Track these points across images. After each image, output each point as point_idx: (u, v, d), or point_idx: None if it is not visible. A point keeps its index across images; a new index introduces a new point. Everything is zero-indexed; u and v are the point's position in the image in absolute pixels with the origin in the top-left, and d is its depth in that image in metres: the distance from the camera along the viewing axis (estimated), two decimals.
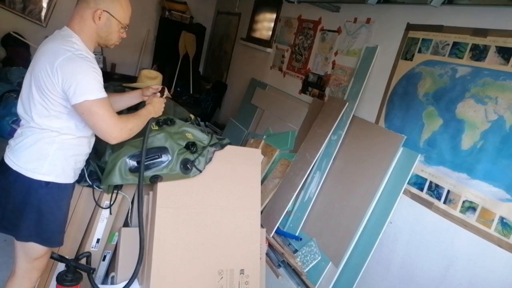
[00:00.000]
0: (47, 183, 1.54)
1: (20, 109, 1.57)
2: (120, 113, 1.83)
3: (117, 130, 1.53)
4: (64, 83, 1.43)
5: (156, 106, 1.83)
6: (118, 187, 1.99)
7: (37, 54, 1.53)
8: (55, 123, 1.52)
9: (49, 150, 1.53)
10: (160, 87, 1.91)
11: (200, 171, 2.04)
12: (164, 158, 1.94)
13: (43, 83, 1.46)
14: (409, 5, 2.66)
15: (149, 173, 1.92)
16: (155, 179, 1.94)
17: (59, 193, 1.60)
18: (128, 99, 1.95)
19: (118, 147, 1.87)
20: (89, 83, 1.45)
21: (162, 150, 1.94)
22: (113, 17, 1.57)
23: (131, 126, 1.60)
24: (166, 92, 1.93)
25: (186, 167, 1.99)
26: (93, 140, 1.70)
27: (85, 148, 1.67)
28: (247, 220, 2.19)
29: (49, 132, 1.52)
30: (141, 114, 1.72)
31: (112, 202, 1.98)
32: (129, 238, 2.04)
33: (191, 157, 2.01)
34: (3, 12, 4.68)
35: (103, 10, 1.53)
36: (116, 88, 2.55)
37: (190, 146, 2.02)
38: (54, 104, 1.49)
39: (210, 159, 2.09)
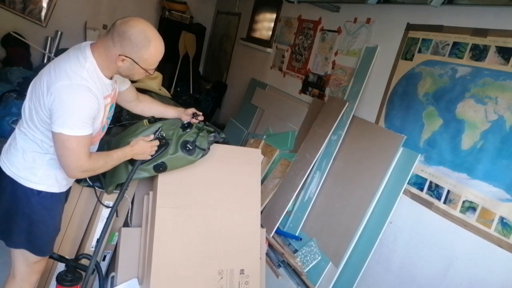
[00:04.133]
0: (39, 192, 1.52)
1: (22, 107, 1.54)
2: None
3: (80, 171, 1.47)
4: (52, 107, 1.38)
5: (136, 150, 1.70)
6: (120, 187, 1.99)
7: (50, 63, 1.47)
8: (43, 136, 1.49)
9: (43, 159, 1.51)
10: (194, 112, 2.00)
11: (204, 150, 1.97)
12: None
13: (37, 98, 1.43)
14: (409, 5, 2.66)
15: (151, 163, 1.88)
16: (158, 168, 1.89)
17: (51, 202, 1.57)
18: (171, 114, 2.00)
19: (117, 147, 1.85)
20: (73, 119, 1.37)
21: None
22: (137, 64, 1.46)
23: (97, 168, 1.54)
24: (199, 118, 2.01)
25: (188, 148, 1.93)
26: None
27: None
28: (247, 220, 2.19)
29: (41, 143, 1.49)
30: (115, 157, 1.61)
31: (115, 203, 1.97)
32: (129, 238, 2.04)
33: (190, 138, 1.95)
34: (3, 12, 4.68)
35: (127, 56, 1.44)
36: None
37: (186, 126, 1.97)
38: (43, 120, 1.45)
39: (211, 143, 2.03)
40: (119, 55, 1.43)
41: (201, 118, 2.01)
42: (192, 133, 1.97)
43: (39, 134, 1.48)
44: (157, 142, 1.80)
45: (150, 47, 1.45)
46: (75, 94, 1.38)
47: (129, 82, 1.79)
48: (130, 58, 1.44)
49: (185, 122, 1.98)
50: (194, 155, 1.95)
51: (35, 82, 1.48)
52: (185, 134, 1.96)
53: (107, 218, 1.79)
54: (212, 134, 2.05)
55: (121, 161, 1.66)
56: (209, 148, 2.01)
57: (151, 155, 1.81)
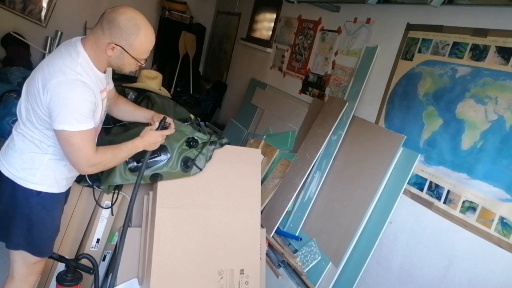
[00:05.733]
0: (39, 192, 1.50)
1: (18, 108, 1.53)
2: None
3: (89, 166, 1.46)
4: (50, 105, 1.36)
5: (147, 141, 1.66)
6: (118, 187, 1.99)
7: (43, 62, 1.46)
8: (42, 136, 1.48)
9: (42, 160, 1.49)
10: (168, 121, 1.77)
11: (200, 169, 2.03)
12: (163, 156, 1.93)
13: (33, 97, 1.41)
14: (409, 5, 2.66)
15: (148, 172, 1.91)
16: (155, 178, 1.93)
17: (51, 202, 1.56)
18: (139, 115, 1.84)
19: None
20: (73, 114, 1.36)
21: (161, 148, 1.93)
22: (127, 52, 1.44)
23: (107, 162, 1.51)
24: (171, 126, 1.78)
25: (187, 165, 1.99)
26: None
27: None
28: (247, 220, 2.19)
29: (40, 143, 1.48)
30: (125, 148, 1.59)
31: (113, 202, 1.98)
32: (129, 238, 2.04)
33: (191, 155, 2.00)
34: (3, 12, 4.67)
35: (116, 44, 1.42)
36: (116, 88, 2.55)
37: (191, 142, 2.00)
38: (41, 119, 1.43)
39: (210, 157, 2.09)
40: (109, 43, 1.41)
41: (171, 127, 1.78)
42: (196, 149, 2.01)
43: (37, 134, 1.47)
44: (166, 131, 1.75)
45: (139, 34, 1.43)
46: (71, 90, 1.36)
47: (112, 84, 1.75)
48: (120, 46, 1.42)
49: (190, 137, 1.99)
50: (191, 172, 2.01)
51: (29, 81, 1.46)
52: (188, 151, 2.00)
53: (125, 217, 1.80)
54: (212, 148, 2.09)
55: (131, 153, 1.62)
56: (204, 166, 2.05)
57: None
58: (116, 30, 1.40)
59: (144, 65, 1.56)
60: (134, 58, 1.47)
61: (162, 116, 1.78)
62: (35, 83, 1.41)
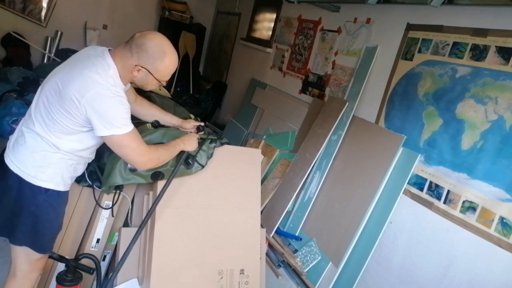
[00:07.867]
0: (47, 190, 1.54)
1: (32, 108, 1.55)
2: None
3: (146, 160, 1.61)
4: (91, 115, 1.44)
5: (187, 140, 1.88)
6: (119, 187, 1.99)
7: (71, 71, 1.48)
8: (62, 141, 1.52)
9: (52, 158, 1.53)
10: (199, 124, 2.04)
11: (203, 166, 2.02)
12: None
13: (67, 107, 1.45)
14: (409, 5, 2.66)
15: (149, 171, 1.91)
16: (156, 177, 1.93)
17: (57, 200, 1.60)
18: (168, 119, 2.01)
19: None
20: (117, 119, 1.47)
21: None
22: (151, 74, 1.55)
23: (158, 155, 1.67)
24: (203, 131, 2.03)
25: (188, 162, 1.97)
26: (96, 148, 1.70)
27: (89, 157, 1.69)
28: (247, 220, 2.19)
29: (53, 144, 1.52)
30: (170, 145, 1.79)
31: (114, 203, 1.98)
32: (129, 238, 2.03)
33: (192, 152, 1.99)
34: (3, 12, 4.68)
35: (143, 67, 1.52)
36: None
37: None
38: (75, 125, 1.49)
39: (211, 155, 2.08)
40: (136, 65, 1.51)
41: (202, 131, 2.06)
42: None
43: (56, 138, 1.50)
44: (197, 135, 1.98)
45: (165, 59, 1.54)
46: (110, 98, 1.45)
47: (129, 84, 1.81)
48: (146, 69, 1.53)
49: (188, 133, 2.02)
50: (193, 169, 2.01)
51: (56, 88, 1.47)
52: None
53: (149, 210, 1.84)
54: (213, 145, 2.10)
55: (176, 150, 1.82)
56: (206, 163, 2.06)
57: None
58: (144, 54, 1.51)
59: (164, 83, 1.67)
60: (157, 79, 1.58)
61: (191, 121, 2.05)
62: (70, 95, 1.43)
